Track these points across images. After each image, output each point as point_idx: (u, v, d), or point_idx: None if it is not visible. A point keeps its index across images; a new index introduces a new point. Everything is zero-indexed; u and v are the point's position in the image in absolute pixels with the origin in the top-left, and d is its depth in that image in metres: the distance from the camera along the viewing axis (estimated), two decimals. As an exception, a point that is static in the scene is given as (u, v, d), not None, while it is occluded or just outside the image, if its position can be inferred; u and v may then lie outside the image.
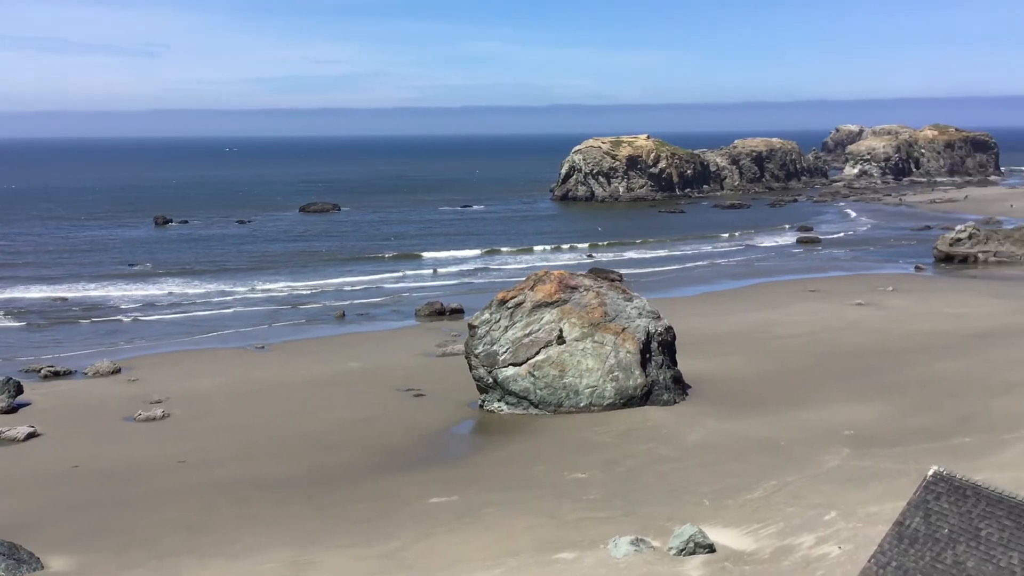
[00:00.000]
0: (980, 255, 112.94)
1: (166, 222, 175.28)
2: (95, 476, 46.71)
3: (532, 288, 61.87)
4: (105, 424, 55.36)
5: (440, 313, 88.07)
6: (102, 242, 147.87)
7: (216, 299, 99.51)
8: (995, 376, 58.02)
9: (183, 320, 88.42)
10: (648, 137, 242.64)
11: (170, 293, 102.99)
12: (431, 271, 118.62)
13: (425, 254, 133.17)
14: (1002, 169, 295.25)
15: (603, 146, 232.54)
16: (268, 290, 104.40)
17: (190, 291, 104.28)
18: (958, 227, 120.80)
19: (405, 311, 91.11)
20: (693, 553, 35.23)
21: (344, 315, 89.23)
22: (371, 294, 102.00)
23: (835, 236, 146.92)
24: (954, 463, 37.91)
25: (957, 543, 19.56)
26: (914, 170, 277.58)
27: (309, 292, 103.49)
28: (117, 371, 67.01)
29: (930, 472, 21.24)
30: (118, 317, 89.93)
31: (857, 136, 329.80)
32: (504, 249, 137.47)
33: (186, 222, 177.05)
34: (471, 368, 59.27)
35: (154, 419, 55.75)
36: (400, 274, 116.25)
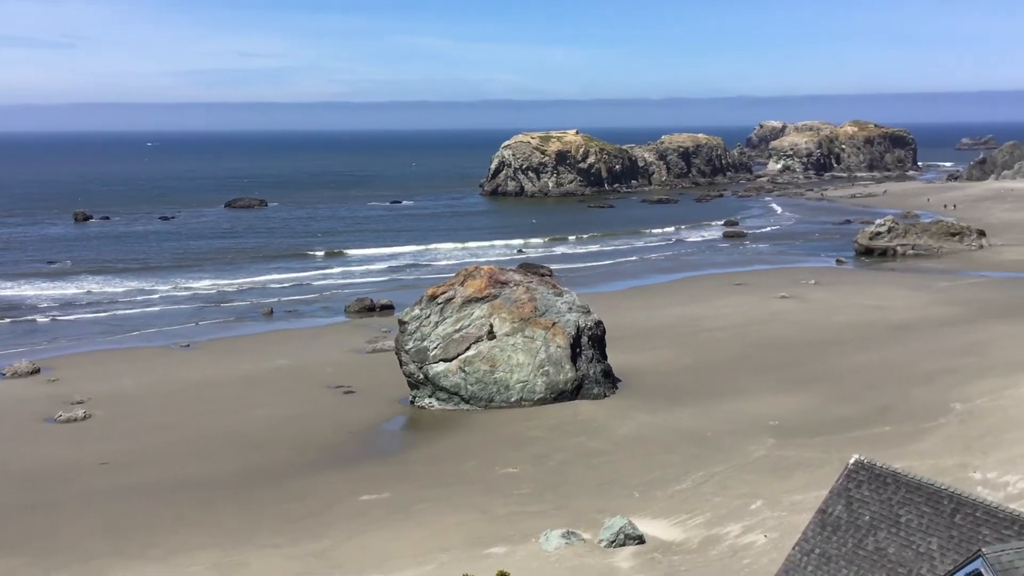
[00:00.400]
0: (899, 248, 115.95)
1: (86, 218, 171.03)
2: (14, 479, 45.44)
3: (462, 284, 61.84)
4: (24, 426, 53.89)
5: (370, 309, 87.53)
6: (19, 239, 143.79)
7: (139, 297, 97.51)
8: (914, 367, 59.64)
9: (105, 319, 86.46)
10: (577, 132, 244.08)
11: (90, 292, 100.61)
12: (361, 267, 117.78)
13: (354, 250, 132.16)
14: (920, 164, 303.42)
15: (532, 141, 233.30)
16: (193, 288, 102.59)
17: (111, 289, 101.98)
18: (877, 221, 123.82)
19: (334, 308, 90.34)
20: (623, 544, 35.62)
21: (272, 312, 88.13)
22: (300, 291, 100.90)
23: (760, 230, 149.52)
24: (875, 451, 38.92)
25: (878, 530, 20.07)
26: (835, 165, 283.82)
27: (236, 289, 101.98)
28: (36, 371, 65.27)
29: (851, 461, 21.74)
30: (36, 316, 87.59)
31: (780, 132, 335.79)
32: (434, 245, 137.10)
33: (107, 218, 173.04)
34: (401, 364, 59.02)
35: (75, 420, 54.43)
36: (329, 271, 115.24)
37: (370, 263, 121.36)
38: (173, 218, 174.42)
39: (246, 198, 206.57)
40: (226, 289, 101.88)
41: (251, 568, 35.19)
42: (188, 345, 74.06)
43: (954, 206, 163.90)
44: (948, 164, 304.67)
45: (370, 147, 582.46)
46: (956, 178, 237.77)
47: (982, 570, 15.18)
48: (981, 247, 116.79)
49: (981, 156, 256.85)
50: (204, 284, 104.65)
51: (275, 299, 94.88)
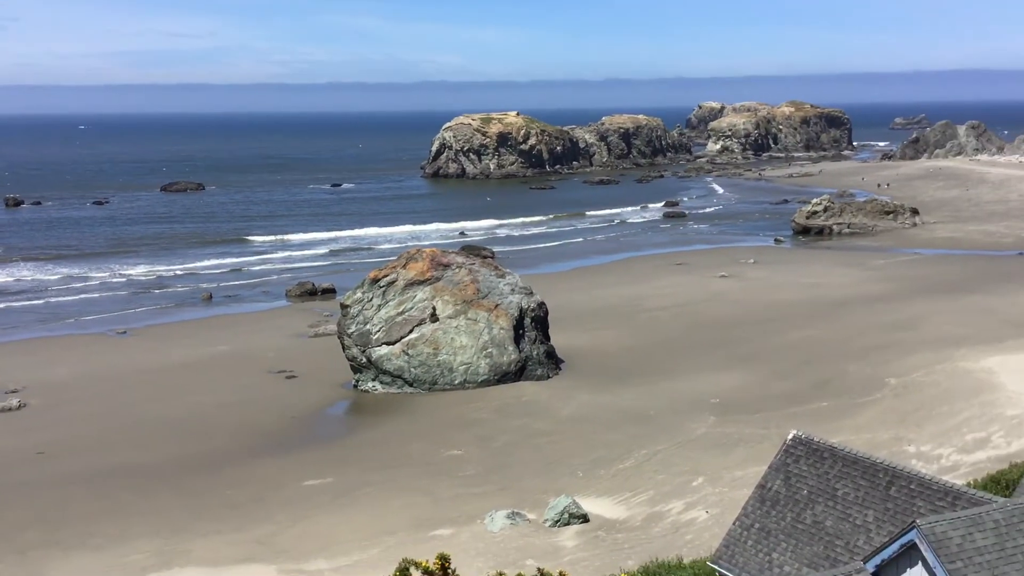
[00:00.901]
0: (835, 227, 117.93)
1: (17, 203, 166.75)
2: (-55, 472, 44.34)
3: (404, 266, 61.58)
4: (-45, 417, 52.56)
5: (311, 293, 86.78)
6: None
7: (73, 284, 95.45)
8: (850, 343, 60.82)
9: (38, 307, 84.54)
10: (518, 114, 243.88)
11: (22, 279, 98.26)
12: (301, 252, 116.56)
13: (295, 235, 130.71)
14: (855, 144, 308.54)
15: (473, 123, 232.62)
16: (129, 274, 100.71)
17: (45, 277, 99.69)
18: (814, 201, 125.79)
19: (275, 292, 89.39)
20: (568, 523, 35.91)
21: (211, 297, 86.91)
22: (239, 276, 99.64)
23: (700, 211, 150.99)
24: (813, 426, 39.67)
25: (816, 503, 20.47)
26: (772, 145, 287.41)
27: (173, 275, 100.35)
28: (-33, 361, 63.68)
29: (790, 436, 22.13)
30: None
31: (719, 113, 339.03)
32: (375, 228, 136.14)
33: (39, 203, 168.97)
34: (344, 348, 58.67)
35: (9, 409, 53.25)
36: (269, 255, 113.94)
37: (311, 247, 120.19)
38: (107, 203, 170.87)
39: (182, 182, 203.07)
40: (163, 275, 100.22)
41: (193, 555, 34.82)
42: (125, 332, 72.77)
43: (888, 185, 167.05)
44: (882, 143, 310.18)
45: (308, 129, 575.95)
46: (890, 157, 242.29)
47: (917, 541, 15.55)
48: (914, 225, 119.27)
49: (914, 135, 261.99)
50: (140, 270, 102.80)
51: (214, 284, 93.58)
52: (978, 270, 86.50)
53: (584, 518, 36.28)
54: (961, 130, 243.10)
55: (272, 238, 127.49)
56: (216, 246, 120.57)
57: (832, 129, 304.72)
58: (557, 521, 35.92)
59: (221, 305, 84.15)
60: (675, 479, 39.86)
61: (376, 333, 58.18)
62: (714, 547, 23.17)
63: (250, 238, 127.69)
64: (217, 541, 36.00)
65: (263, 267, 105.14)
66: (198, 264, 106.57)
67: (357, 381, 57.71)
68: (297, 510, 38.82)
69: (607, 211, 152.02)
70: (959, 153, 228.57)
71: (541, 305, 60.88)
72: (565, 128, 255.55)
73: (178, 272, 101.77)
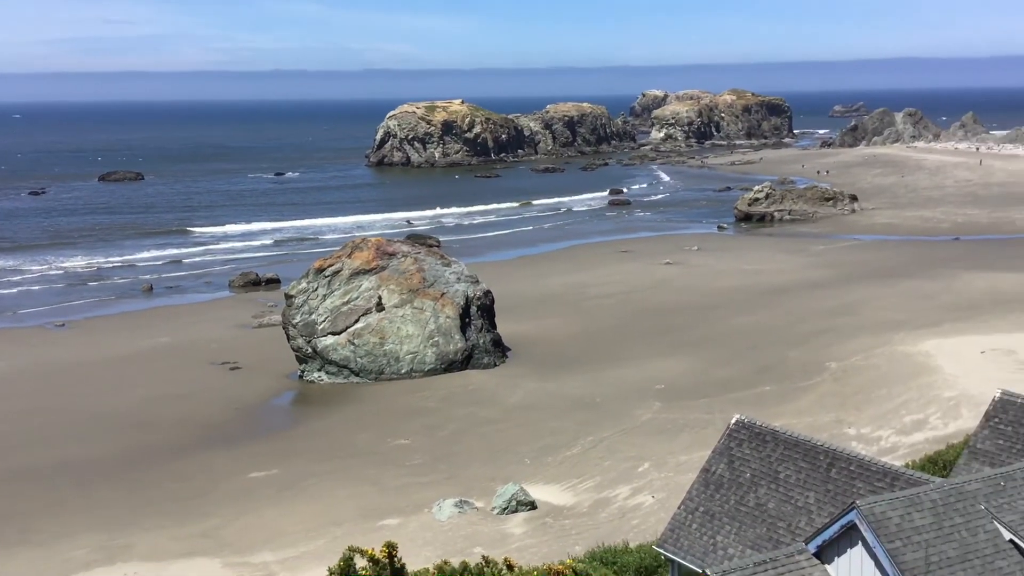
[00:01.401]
0: (776, 214, 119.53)
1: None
2: None
3: (350, 256, 61.18)
4: None
5: (255, 283, 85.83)
6: None
7: (9, 277, 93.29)
8: (792, 328, 61.76)
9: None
10: (463, 102, 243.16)
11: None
12: (244, 243, 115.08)
13: (238, 224, 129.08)
14: (795, 132, 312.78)
15: (418, 111, 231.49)
16: (67, 266, 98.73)
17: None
18: (756, 188, 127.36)
19: (218, 283, 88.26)
20: (516, 511, 36.05)
21: (152, 289, 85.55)
22: (180, 267, 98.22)
23: (645, 198, 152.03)
24: (756, 411, 40.23)
25: (759, 486, 20.79)
26: (715, 133, 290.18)
27: (113, 266, 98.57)
28: (-102, 357, 62.00)
29: (733, 421, 22.43)
30: None
31: (662, 101, 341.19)
32: (320, 218, 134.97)
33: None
34: (289, 339, 58.16)
35: (-57, 406, 51.96)
36: (211, 246, 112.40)
37: (254, 238, 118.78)
38: (44, 193, 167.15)
39: (121, 171, 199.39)
40: (102, 267, 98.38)
41: (136, 550, 34.35)
42: (63, 325, 71.37)
43: (827, 172, 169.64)
44: (822, 131, 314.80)
45: (250, 118, 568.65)
46: (829, 145, 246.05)
47: (856, 521, 15.87)
48: (853, 211, 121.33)
49: (853, 123, 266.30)
50: (78, 262, 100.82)
51: (154, 276, 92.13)
52: (915, 255, 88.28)
53: (532, 505, 36.45)
54: (899, 117, 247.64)
55: (214, 229, 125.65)
56: (156, 237, 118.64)
57: (773, 117, 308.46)
58: (505, 509, 36.04)
59: (162, 296, 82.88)
60: (621, 465, 40.19)
61: (321, 323, 57.76)
62: (660, 531, 23.42)
63: (191, 229, 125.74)
64: (161, 535, 35.55)
65: (205, 258, 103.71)
66: (138, 255, 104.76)
67: (302, 372, 57.27)
68: (242, 503, 38.47)
69: (552, 199, 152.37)
70: (897, 140, 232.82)
71: (487, 293, 60.89)
72: (510, 116, 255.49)
73: (117, 264, 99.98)
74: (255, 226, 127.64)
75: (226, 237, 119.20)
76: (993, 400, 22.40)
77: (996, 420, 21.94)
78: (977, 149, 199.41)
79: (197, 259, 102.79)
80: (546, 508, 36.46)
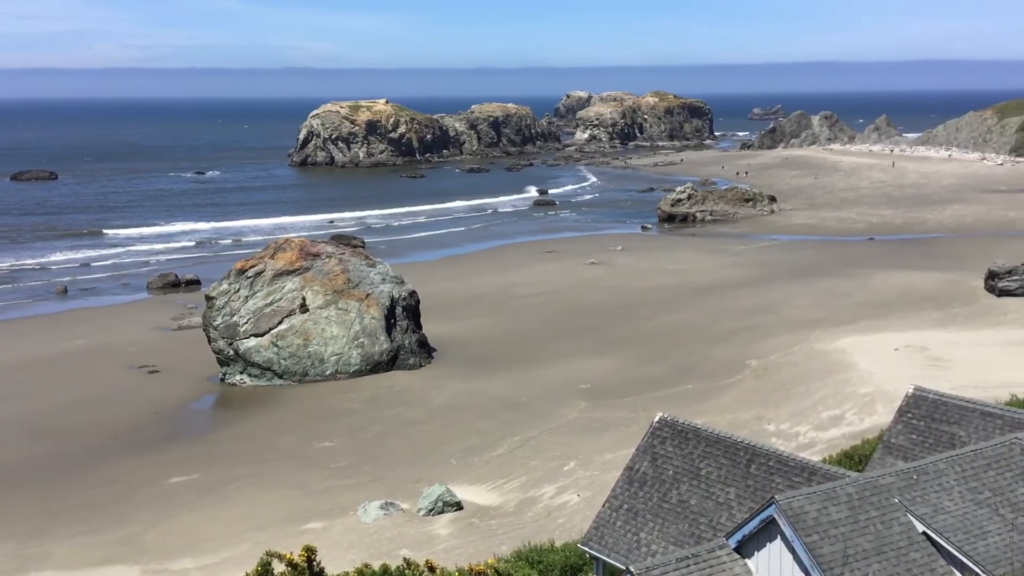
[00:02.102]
0: (698, 214, 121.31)
1: None
2: None
3: (272, 256, 60.38)
4: None
5: (175, 285, 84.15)
6: None
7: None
8: (714, 326, 62.74)
9: None
10: (387, 102, 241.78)
11: None
12: (163, 244, 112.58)
13: (157, 226, 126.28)
14: (716, 134, 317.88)
15: (342, 111, 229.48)
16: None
17: None
18: (678, 188, 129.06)
19: (136, 284, 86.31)
20: (442, 512, 35.97)
21: (66, 291, 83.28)
22: (97, 268, 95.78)
23: (570, 199, 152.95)
24: (679, 408, 40.77)
25: (681, 483, 21.07)
26: (638, 134, 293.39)
27: (25, 268, 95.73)
28: None
29: (656, 419, 22.69)
30: None
31: (586, 102, 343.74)
32: (242, 219, 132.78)
33: None
34: (210, 341, 57.17)
35: None
36: (129, 247, 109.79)
37: (174, 239, 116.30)
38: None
39: (34, 171, 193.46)
40: (14, 268, 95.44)
41: (52, 559, 33.43)
42: (-27, 328, 69.07)
43: (746, 173, 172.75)
44: (742, 133, 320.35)
45: (168, 116, 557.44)
46: (749, 147, 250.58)
47: (775, 516, 16.17)
48: (772, 212, 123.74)
49: (771, 125, 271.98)
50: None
51: (69, 278, 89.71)
52: (831, 255, 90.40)
53: (458, 506, 36.41)
54: (815, 120, 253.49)
55: (131, 230, 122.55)
56: (71, 238, 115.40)
57: (695, 119, 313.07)
58: (431, 510, 35.94)
59: (77, 299, 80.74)
60: (547, 464, 40.38)
61: (244, 325, 56.90)
62: (585, 529, 23.57)
63: (108, 230, 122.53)
64: (77, 543, 34.64)
65: (122, 259, 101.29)
66: (52, 257, 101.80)
67: (224, 374, 56.34)
68: (162, 508, 37.69)
69: (478, 200, 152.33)
70: (813, 142, 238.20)
71: (413, 294, 60.66)
72: (435, 116, 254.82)
73: (30, 266, 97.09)
74: (174, 227, 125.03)
75: (144, 238, 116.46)
76: (906, 396, 23.01)
77: (909, 415, 22.56)
78: (892, 151, 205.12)
79: (114, 261, 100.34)
80: (472, 508, 36.45)
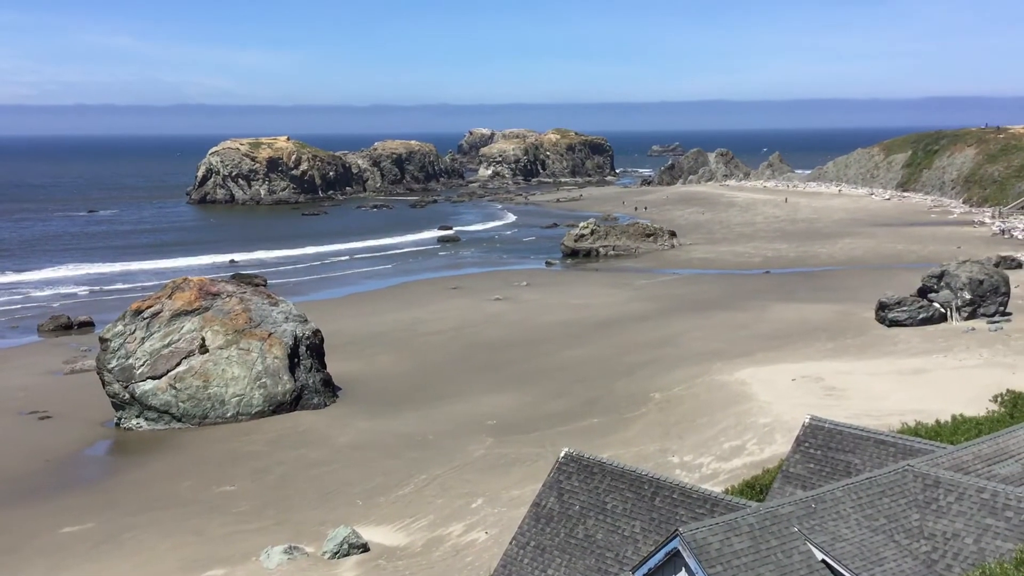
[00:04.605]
0: (601, 249, 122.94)
1: None
2: None
3: (170, 296, 58.97)
4: None
5: (67, 327, 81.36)
6: None
7: None
8: (617, 360, 63.43)
9: None
10: (288, 139, 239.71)
11: None
12: (54, 290, 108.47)
13: (46, 268, 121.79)
14: (616, 170, 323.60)
15: (242, 148, 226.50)
16: None
17: None
18: (581, 224, 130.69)
19: (25, 327, 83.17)
20: (348, 554, 35.36)
21: (-49, 335, 79.80)
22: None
23: (474, 235, 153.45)
24: (585, 443, 41.07)
25: (587, 518, 21.15)
26: (541, 171, 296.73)
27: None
28: None
29: (562, 454, 22.78)
30: None
31: (489, 139, 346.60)
32: (139, 260, 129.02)
33: None
34: (104, 384, 55.38)
35: None
36: (16, 289, 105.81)
37: (65, 283, 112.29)
38: None
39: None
40: None
41: (-67, 620, 31.74)
42: None
43: (646, 208, 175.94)
44: (643, 170, 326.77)
45: (55, 154, 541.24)
46: (649, 183, 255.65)
47: (680, 548, 16.36)
48: (672, 247, 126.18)
49: (670, 162, 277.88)
50: None
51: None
52: (729, 288, 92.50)
53: (364, 547, 35.85)
54: (712, 157, 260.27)
55: (22, 274, 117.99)
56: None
57: (596, 156, 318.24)
58: (336, 552, 35.30)
59: (-38, 343, 77.42)
60: (454, 502, 40.11)
61: (140, 367, 55.31)
62: (493, 567, 23.45)
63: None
64: (-39, 601, 32.99)
65: (11, 302, 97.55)
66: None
67: (119, 419, 54.59)
68: (54, 559, 36.17)
69: (382, 237, 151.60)
70: (710, 179, 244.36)
71: (316, 332, 59.88)
72: (337, 153, 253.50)
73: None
74: (66, 269, 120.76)
75: (34, 283, 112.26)
76: (803, 425, 23.60)
77: (806, 444, 23.13)
78: (787, 187, 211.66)
79: (1, 305, 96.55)
80: (379, 549, 35.94)
